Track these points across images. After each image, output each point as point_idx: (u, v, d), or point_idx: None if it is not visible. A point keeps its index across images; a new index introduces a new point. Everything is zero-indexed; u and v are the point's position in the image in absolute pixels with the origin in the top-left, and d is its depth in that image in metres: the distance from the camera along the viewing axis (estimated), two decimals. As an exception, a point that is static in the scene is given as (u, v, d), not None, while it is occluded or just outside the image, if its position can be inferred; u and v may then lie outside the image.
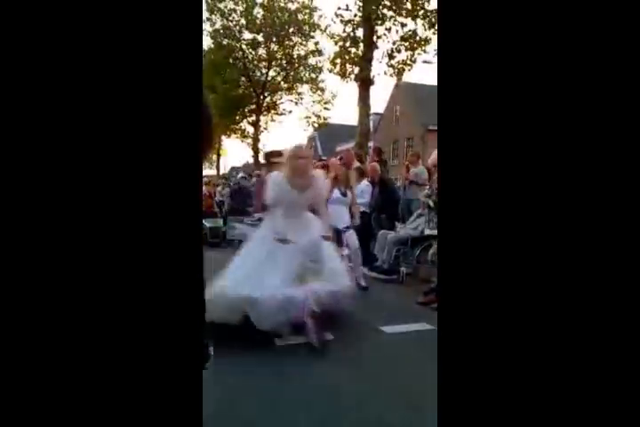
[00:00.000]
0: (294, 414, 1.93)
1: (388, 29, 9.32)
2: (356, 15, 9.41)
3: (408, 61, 9.61)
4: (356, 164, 5.74)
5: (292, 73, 19.57)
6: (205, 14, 17.96)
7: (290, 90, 20.03)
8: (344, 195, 4.40)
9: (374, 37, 9.32)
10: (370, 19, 9.11)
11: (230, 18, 18.56)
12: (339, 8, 9.56)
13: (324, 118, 18.46)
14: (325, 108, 18.79)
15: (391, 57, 9.58)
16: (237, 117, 20.58)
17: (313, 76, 19.21)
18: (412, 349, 2.77)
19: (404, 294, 2.80)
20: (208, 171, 27.49)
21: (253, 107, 20.44)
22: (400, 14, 9.16)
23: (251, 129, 20.93)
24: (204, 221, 6.95)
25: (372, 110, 11.25)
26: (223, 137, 22.74)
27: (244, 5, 18.28)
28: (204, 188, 8.26)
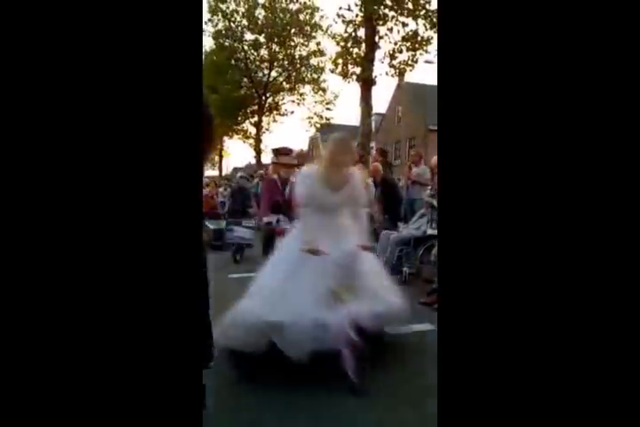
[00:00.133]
0: (294, 415, 1.93)
1: (390, 29, 9.33)
2: (357, 15, 9.42)
3: (410, 61, 9.61)
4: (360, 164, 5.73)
5: (293, 73, 19.63)
6: (207, 15, 18.08)
7: (292, 90, 20.09)
8: None
9: (376, 37, 9.33)
10: (371, 19, 9.12)
11: (232, 19, 18.63)
12: (340, 8, 9.58)
13: (326, 119, 18.48)
14: (327, 109, 18.90)
15: (393, 57, 9.58)
16: (239, 118, 20.67)
17: (315, 76, 19.28)
18: (415, 349, 2.76)
19: (407, 294, 2.75)
20: (210, 172, 27.58)
21: (255, 107, 20.52)
22: (402, 14, 9.17)
23: (253, 130, 21.02)
24: (207, 223, 6.92)
25: (374, 111, 11.26)
26: (225, 138, 22.81)
27: (246, 6, 18.34)
28: (206, 189, 8.24)
